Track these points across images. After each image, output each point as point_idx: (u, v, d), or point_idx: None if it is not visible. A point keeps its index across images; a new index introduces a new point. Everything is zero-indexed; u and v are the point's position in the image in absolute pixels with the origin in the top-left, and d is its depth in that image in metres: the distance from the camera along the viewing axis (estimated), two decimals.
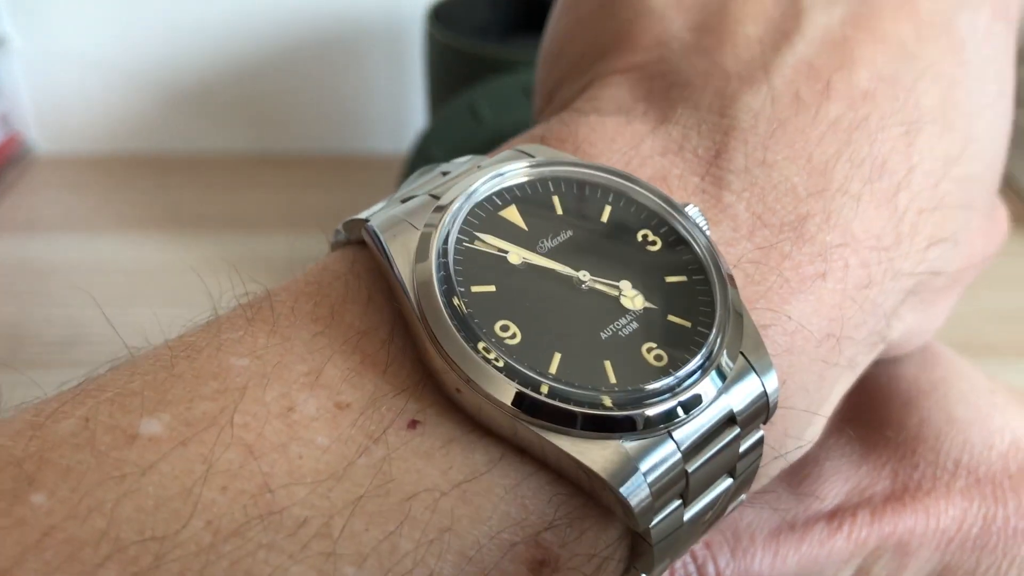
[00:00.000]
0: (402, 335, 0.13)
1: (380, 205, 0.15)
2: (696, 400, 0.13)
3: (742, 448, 0.13)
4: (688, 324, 0.13)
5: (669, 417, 0.12)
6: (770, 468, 0.15)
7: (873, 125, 0.16)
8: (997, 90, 0.18)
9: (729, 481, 0.14)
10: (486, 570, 0.11)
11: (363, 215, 0.14)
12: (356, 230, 0.14)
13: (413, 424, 0.12)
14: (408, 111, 0.52)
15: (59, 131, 0.51)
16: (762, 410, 0.13)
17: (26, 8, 0.48)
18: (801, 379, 0.15)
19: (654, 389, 0.13)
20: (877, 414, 0.17)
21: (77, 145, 0.52)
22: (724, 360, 0.13)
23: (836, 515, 0.17)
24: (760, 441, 0.14)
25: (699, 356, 0.13)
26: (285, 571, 0.10)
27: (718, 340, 0.13)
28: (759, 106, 0.16)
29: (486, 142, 0.34)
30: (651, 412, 0.12)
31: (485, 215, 0.14)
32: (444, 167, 0.16)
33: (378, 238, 0.14)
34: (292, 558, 0.11)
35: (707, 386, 0.13)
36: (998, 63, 0.18)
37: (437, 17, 0.41)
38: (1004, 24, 0.18)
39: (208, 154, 0.52)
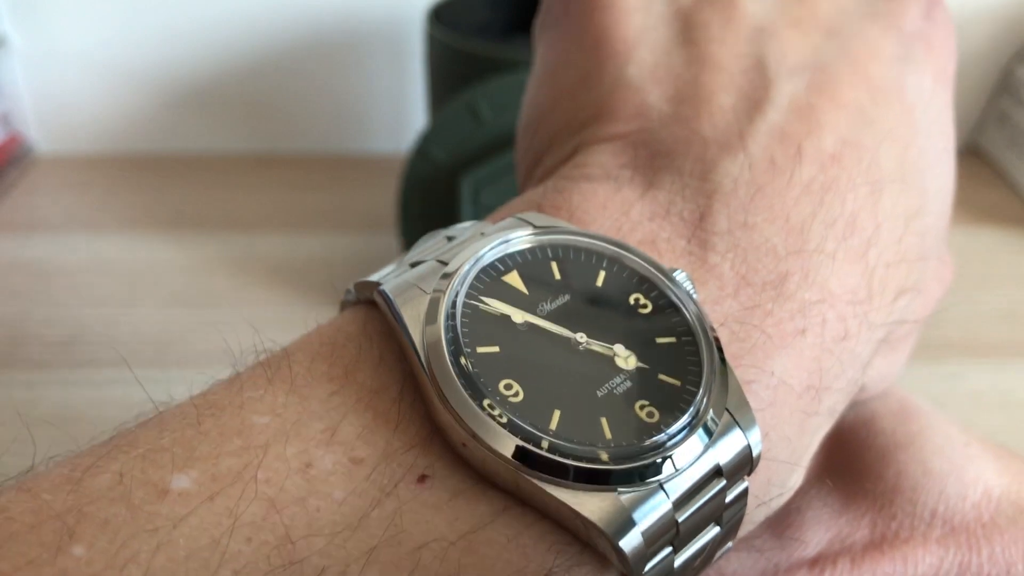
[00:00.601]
0: (411, 393, 0.14)
1: (389, 268, 0.16)
2: (685, 455, 0.13)
3: (728, 498, 0.14)
4: (678, 383, 0.14)
5: (661, 470, 0.13)
6: (755, 515, 0.16)
7: (843, 186, 0.17)
8: (943, 147, 0.19)
9: (716, 529, 0.14)
10: None
11: (374, 278, 0.15)
12: (367, 291, 0.15)
13: (423, 479, 0.13)
14: (408, 111, 0.52)
15: (59, 131, 0.52)
16: (746, 462, 0.14)
17: (26, 8, 0.48)
18: (783, 431, 0.15)
19: (647, 444, 0.13)
20: (856, 466, 0.18)
21: (77, 145, 0.52)
22: (711, 417, 0.14)
23: (818, 562, 0.18)
24: (745, 491, 0.14)
25: (687, 414, 0.14)
26: None
27: (705, 399, 0.14)
28: (738, 171, 0.17)
29: (486, 142, 0.34)
30: (644, 465, 0.13)
31: (489, 280, 0.15)
32: (448, 232, 0.16)
33: (391, 302, 0.14)
34: None
35: (695, 442, 0.14)
36: (942, 122, 0.20)
37: (437, 17, 0.41)
38: (944, 86, 0.20)
39: (208, 154, 0.52)
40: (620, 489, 0.13)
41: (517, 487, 0.13)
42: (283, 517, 0.12)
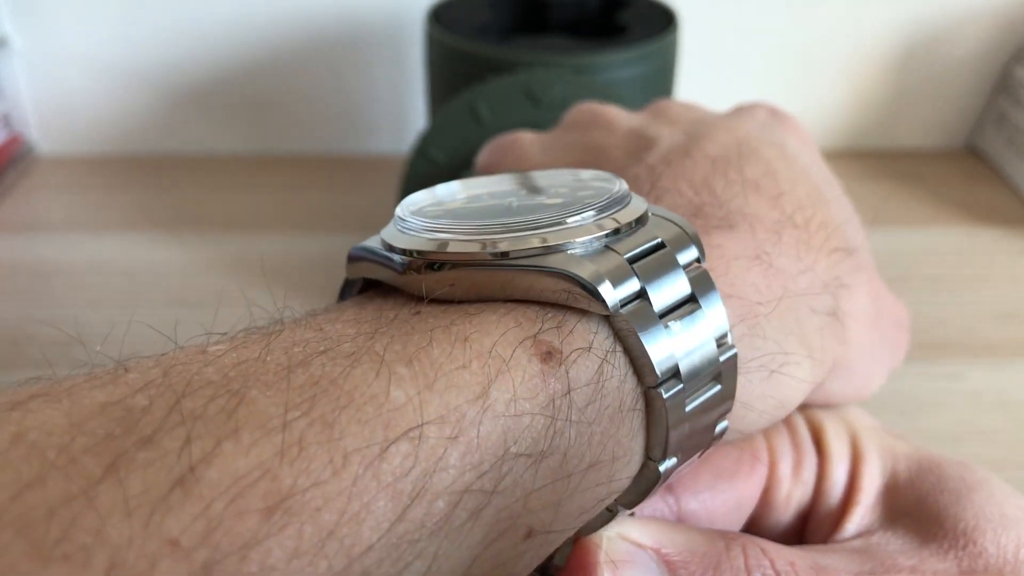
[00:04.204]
0: None
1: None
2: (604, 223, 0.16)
3: (681, 260, 0.16)
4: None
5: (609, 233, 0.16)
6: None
7: (732, 170, 0.21)
8: (824, 178, 0.23)
9: (718, 387, 0.16)
10: (506, 361, 0.14)
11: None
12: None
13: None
14: (408, 111, 0.52)
15: (60, 131, 0.52)
16: (684, 238, 0.16)
17: (26, 8, 0.48)
18: (747, 279, 0.18)
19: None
20: (930, 507, 0.18)
21: (78, 146, 0.52)
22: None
23: (916, 569, 0.18)
24: (697, 261, 0.16)
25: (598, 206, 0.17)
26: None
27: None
28: (644, 169, 0.21)
29: (486, 142, 0.34)
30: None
31: None
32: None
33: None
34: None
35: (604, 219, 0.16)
36: (819, 163, 0.23)
37: (437, 18, 0.41)
38: (810, 145, 0.24)
39: (208, 154, 0.52)
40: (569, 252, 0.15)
41: (504, 290, 0.15)
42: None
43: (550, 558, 0.16)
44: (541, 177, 0.19)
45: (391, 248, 0.16)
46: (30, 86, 0.50)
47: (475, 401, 0.13)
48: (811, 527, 0.20)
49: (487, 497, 0.13)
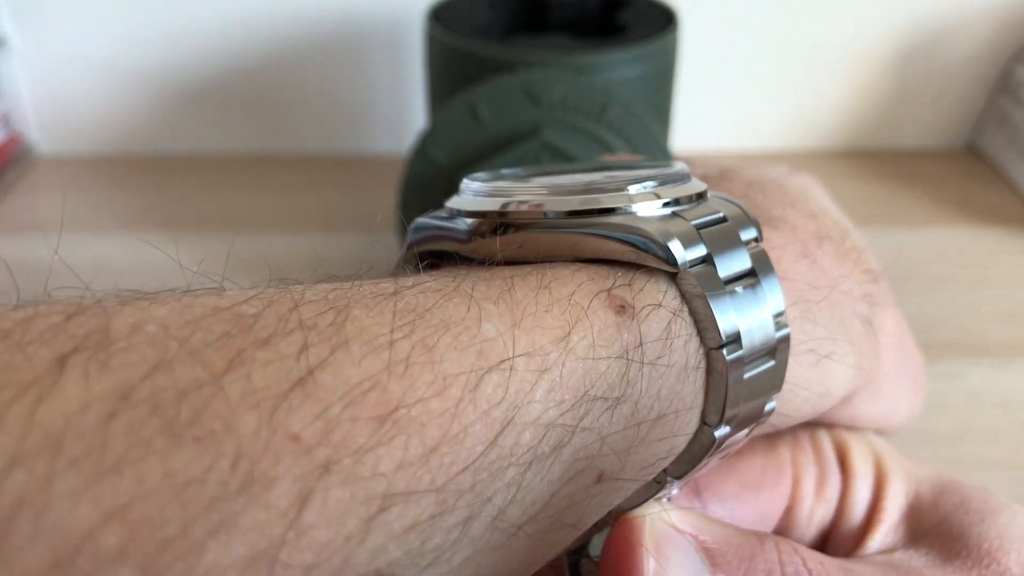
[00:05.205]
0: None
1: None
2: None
3: (744, 236, 0.16)
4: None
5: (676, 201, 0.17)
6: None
7: (771, 199, 0.22)
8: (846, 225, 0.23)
9: (772, 362, 0.16)
10: (584, 309, 0.14)
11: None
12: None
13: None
14: (408, 111, 0.52)
15: (59, 131, 0.52)
16: (744, 218, 0.17)
17: (26, 8, 0.48)
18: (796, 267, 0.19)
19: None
20: (953, 527, 0.19)
21: (77, 146, 0.52)
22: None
23: None
24: (756, 239, 0.17)
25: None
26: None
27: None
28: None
29: (486, 142, 0.34)
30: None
31: None
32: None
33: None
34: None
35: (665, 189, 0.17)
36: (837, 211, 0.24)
37: (437, 17, 0.41)
38: (828, 198, 0.24)
39: (208, 154, 0.52)
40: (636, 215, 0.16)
41: (573, 249, 0.16)
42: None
43: (582, 549, 0.17)
44: (602, 162, 0.20)
45: (457, 214, 0.17)
46: (30, 86, 0.50)
47: (558, 342, 0.14)
48: (832, 545, 0.20)
49: (568, 434, 0.14)
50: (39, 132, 0.51)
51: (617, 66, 0.37)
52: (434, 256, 0.18)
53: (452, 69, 0.39)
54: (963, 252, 0.44)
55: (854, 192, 0.50)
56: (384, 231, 0.43)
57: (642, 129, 0.34)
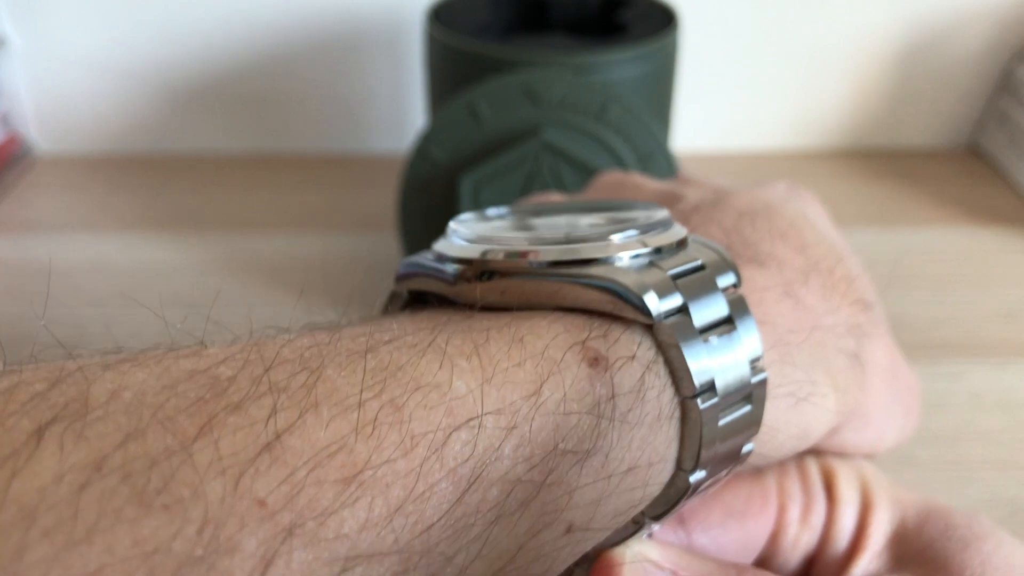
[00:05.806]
0: None
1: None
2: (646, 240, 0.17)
3: (721, 283, 0.17)
4: None
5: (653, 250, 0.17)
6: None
7: (759, 223, 0.22)
8: (840, 239, 0.23)
9: (748, 407, 0.16)
10: (557, 363, 0.15)
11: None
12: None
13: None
14: (408, 111, 0.52)
15: (59, 131, 0.51)
16: (722, 262, 0.17)
17: (26, 8, 0.48)
18: (777, 309, 0.19)
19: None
20: (937, 554, 0.19)
21: (77, 145, 0.52)
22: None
23: None
24: (735, 285, 0.17)
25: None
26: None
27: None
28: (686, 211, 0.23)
29: (485, 142, 0.34)
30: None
31: None
32: None
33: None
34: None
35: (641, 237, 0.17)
36: (834, 231, 0.24)
37: (437, 17, 0.41)
38: (824, 215, 0.24)
39: (208, 154, 0.52)
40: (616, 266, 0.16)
41: (553, 298, 0.16)
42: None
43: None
44: (586, 202, 0.21)
45: (443, 259, 0.17)
46: (29, 86, 0.50)
47: (529, 398, 0.14)
48: (816, 571, 0.20)
49: (536, 489, 0.14)
50: (39, 132, 0.51)
51: (617, 66, 0.37)
52: (423, 293, 0.18)
53: (452, 69, 0.39)
54: (963, 252, 0.44)
55: (854, 192, 0.49)
56: (384, 231, 0.43)
57: (642, 129, 0.34)
